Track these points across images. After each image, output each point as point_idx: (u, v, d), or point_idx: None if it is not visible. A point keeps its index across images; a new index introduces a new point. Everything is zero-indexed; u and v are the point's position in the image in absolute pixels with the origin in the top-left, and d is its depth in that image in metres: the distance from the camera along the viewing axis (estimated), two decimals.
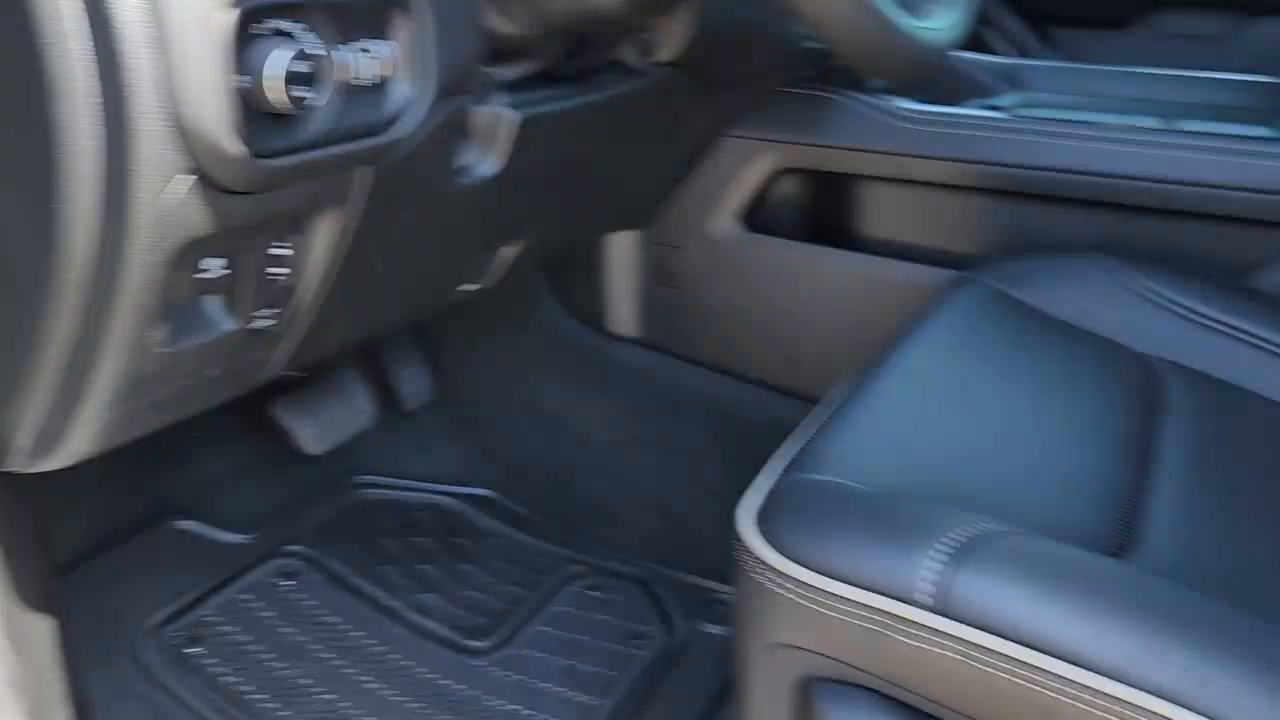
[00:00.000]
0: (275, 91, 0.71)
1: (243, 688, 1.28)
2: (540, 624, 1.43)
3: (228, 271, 0.83)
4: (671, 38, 1.17)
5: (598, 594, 1.49)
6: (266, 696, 1.27)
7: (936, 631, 0.67)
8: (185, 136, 0.68)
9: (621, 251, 1.62)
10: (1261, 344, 1.13)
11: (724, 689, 1.33)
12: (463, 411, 1.74)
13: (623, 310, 1.66)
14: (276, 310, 0.90)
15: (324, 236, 0.88)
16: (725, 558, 1.52)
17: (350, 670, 1.33)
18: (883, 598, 0.68)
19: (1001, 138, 1.35)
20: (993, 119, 1.38)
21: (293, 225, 0.85)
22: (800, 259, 1.50)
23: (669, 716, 1.28)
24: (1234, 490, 0.90)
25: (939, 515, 0.72)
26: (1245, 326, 1.15)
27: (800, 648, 0.74)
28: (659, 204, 1.55)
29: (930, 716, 0.71)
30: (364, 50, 0.79)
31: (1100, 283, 1.21)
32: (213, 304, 0.84)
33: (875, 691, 0.72)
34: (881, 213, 1.49)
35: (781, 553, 0.74)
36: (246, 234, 0.80)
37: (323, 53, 0.74)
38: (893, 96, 1.45)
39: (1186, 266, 1.27)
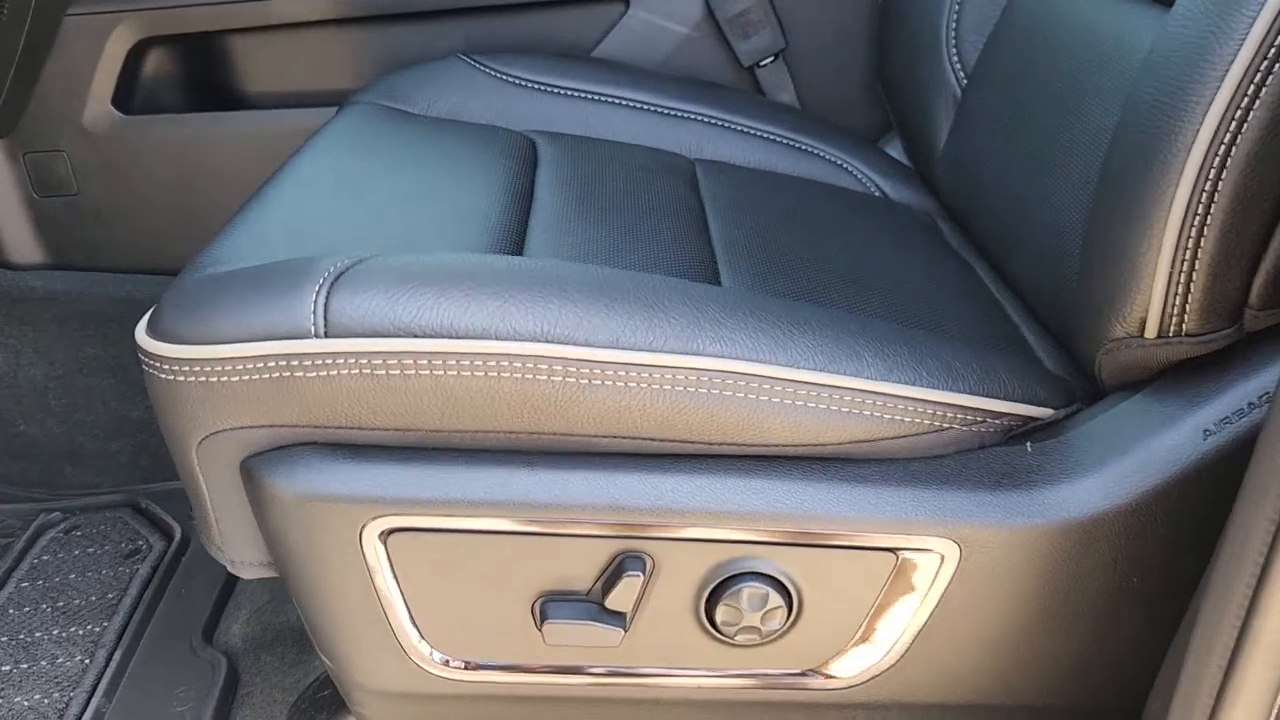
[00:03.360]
0: None
1: None
2: (18, 583, 1.30)
3: None
4: None
5: (78, 532, 1.38)
6: None
7: (334, 355, 0.70)
8: None
9: None
10: (604, 99, 1.30)
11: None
12: None
13: (16, 235, 1.50)
14: None
15: None
16: None
17: None
18: (275, 342, 0.70)
19: None
20: None
21: None
22: (190, 131, 1.45)
23: (183, 614, 1.23)
24: (587, 203, 1.04)
25: (314, 261, 0.74)
26: (592, 89, 1.30)
27: (224, 429, 0.74)
28: (17, 105, 1.40)
29: (364, 446, 0.75)
30: None
31: (467, 79, 1.30)
32: None
33: (310, 444, 0.75)
34: (260, 65, 1.47)
35: (170, 340, 0.73)
36: None
37: None
38: None
39: (543, 51, 1.41)
